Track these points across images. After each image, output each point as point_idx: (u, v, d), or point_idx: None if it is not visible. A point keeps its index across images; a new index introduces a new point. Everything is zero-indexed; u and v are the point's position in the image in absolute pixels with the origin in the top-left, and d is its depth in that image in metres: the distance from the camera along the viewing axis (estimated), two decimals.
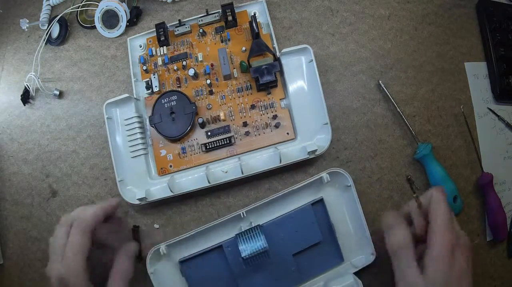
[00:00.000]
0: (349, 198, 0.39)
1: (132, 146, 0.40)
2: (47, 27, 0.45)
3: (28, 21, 0.45)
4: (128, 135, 0.40)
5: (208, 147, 0.40)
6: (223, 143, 0.40)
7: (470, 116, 0.45)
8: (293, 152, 0.40)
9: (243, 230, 0.37)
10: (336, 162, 0.42)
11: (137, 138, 0.40)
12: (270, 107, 0.41)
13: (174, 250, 0.39)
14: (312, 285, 0.39)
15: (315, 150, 0.38)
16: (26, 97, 0.44)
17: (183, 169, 0.40)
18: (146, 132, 0.42)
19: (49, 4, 0.46)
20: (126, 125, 0.41)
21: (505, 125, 0.46)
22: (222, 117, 0.40)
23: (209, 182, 0.38)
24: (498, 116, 0.45)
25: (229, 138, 0.40)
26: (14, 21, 0.47)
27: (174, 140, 0.40)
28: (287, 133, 0.41)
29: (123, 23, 0.45)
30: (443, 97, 0.45)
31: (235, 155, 0.40)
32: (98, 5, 0.45)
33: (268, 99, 0.41)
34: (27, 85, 0.44)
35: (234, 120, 0.41)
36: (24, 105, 0.45)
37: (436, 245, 0.30)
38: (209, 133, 0.41)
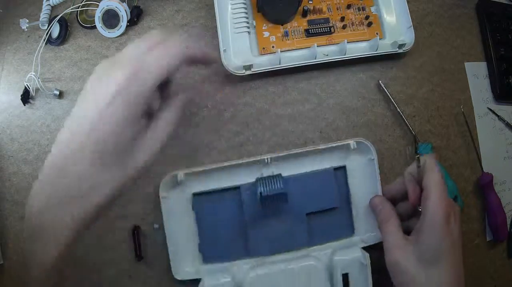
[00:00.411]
0: (370, 172, 0.39)
1: (236, 23, 0.43)
2: (47, 27, 0.45)
3: (28, 21, 0.45)
4: (234, 13, 0.43)
5: (310, 32, 0.43)
6: (323, 31, 0.43)
7: (470, 116, 0.45)
8: (385, 47, 0.43)
9: (264, 175, 0.38)
10: None
11: (241, 17, 0.43)
12: (362, 10, 0.45)
13: (190, 180, 0.38)
14: (319, 251, 0.39)
15: (404, 44, 0.42)
16: (26, 97, 0.44)
17: (284, 51, 0.43)
18: (249, 13, 0.44)
19: (49, 4, 0.46)
20: (232, 4, 0.43)
21: (505, 125, 0.46)
22: (324, 9, 0.44)
23: (315, 58, 0.41)
24: (498, 116, 0.45)
25: (329, 27, 0.43)
26: (14, 21, 0.46)
27: (278, 24, 0.43)
28: (376, 33, 0.44)
29: (123, 23, 0.45)
30: (443, 97, 0.45)
31: (334, 43, 0.43)
32: (98, 5, 0.45)
33: (360, 3, 0.45)
34: (27, 85, 0.44)
35: (332, 14, 0.44)
36: (24, 105, 0.44)
37: (431, 212, 0.30)
38: (310, 22, 0.44)
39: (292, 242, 0.39)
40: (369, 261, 0.36)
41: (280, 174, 0.37)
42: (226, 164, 0.38)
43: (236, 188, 0.39)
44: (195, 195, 0.39)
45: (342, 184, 0.40)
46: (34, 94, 0.45)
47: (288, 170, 0.40)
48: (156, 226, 0.41)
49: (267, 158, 0.38)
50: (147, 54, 0.26)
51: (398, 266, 0.31)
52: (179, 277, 0.37)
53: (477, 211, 0.43)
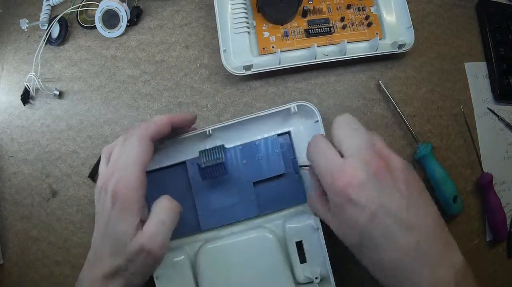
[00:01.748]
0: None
1: (236, 23, 0.43)
2: (47, 27, 0.45)
3: (28, 21, 0.45)
4: (234, 14, 0.43)
5: (310, 33, 0.43)
6: (323, 31, 0.44)
7: (470, 116, 0.45)
8: (385, 47, 0.44)
9: (207, 148, 0.37)
10: None
11: (241, 17, 0.43)
12: (362, 10, 0.45)
13: None
14: (272, 221, 0.39)
15: (404, 44, 0.43)
16: (26, 97, 0.44)
17: (284, 51, 0.43)
18: (249, 13, 0.44)
19: (49, 4, 0.46)
20: (232, 4, 0.43)
21: (505, 125, 0.46)
22: (324, 9, 0.44)
23: (315, 58, 0.42)
24: (498, 116, 0.45)
25: (329, 27, 0.44)
26: (14, 21, 0.47)
27: (278, 24, 0.44)
28: (376, 33, 0.44)
29: (123, 23, 0.45)
30: (443, 97, 0.45)
31: (334, 43, 0.44)
32: (98, 5, 0.45)
33: (360, 3, 0.45)
34: (27, 85, 0.44)
35: (332, 14, 0.45)
36: (24, 105, 0.45)
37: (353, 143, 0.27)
38: (310, 22, 0.44)
39: (241, 212, 0.38)
40: (320, 225, 0.36)
41: (222, 145, 0.37)
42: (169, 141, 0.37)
43: (182, 163, 0.39)
44: (150, 172, 0.38)
45: (288, 150, 0.39)
46: (34, 94, 0.45)
47: (233, 141, 0.39)
48: None
49: (208, 130, 0.37)
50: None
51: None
52: None
53: (477, 211, 0.43)
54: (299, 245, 0.37)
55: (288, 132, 0.40)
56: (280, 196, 0.39)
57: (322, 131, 0.37)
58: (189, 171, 0.38)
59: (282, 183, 0.39)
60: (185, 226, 0.38)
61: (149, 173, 0.38)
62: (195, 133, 0.37)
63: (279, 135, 0.39)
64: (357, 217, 0.25)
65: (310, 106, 0.38)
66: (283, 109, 0.38)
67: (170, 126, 0.32)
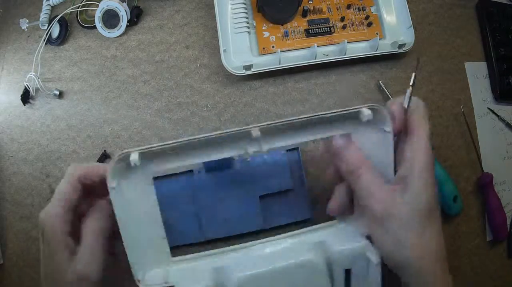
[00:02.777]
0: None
1: (236, 23, 0.43)
2: (47, 27, 0.45)
3: (28, 21, 0.45)
4: (234, 13, 0.43)
5: (310, 32, 0.43)
6: (323, 31, 0.44)
7: (470, 116, 0.45)
8: (385, 47, 0.44)
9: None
10: None
11: (241, 17, 0.43)
12: (362, 10, 0.45)
13: (146, 163, 0.28)
14: (306, 236, 0.33)
15: (404, 44, 0.43)
16: (26, 97, 0.44)
17: (284, 51, 0.43)
18: (249, 13, 0.44)
19: (49, 4, 0.46)
20: (232, 4, 0.43)
21: (505, 125, 0.46)
22: (324, 9, 0.44)
23: (315, 58, 0.42)
24: (498, 116, 0.45)
25: (329, 27, 0.44)
26: (14, 21, 0.46)
27: (278, 24, 0.44)
28: (376, 33, 0.44)
29: (123, 23, 0.45)
30: (443, 97, 0.45)
31: (334, 43, 0.44)
32: (98, 5, 0.45)
33: (360, 3, 0.45)
34: (27, 85, 0.44)
35: (332, 14, 0.45)
36: (24, 105, 0.44)
37: (420, 161, 0.26)
38: (310, 22, 0.44)
39: (246, 224, 0.38)
40: (380, 259, 0.29)
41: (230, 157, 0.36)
42: (184, 140, 0.27)
43: (189, 171, 0.38)
44: (156, 179, 0.31)
45: (296, 166, 0.39)
46: (34, 94, 0.45)
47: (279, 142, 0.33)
48: None
49: (254, 129, 0.28)
50: None
51: (392, 218, 0.26)
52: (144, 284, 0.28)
53: (477, 211, 0.43)
54: (347, 273, 0.30)
55: (297, 148, 0.39)
56: (287, 211, 0.39)
57: (391, 148, 0.29)
58: (195, 180, 0.38)
59: (289, 198, 0.39)
60: (189, 234, 0.38)
61: (157, 179, 0.38)
62: (237, 131, 0.27)
63: (287, 150, 0.39)
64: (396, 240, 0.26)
65: (383, 110, 0.28)
66: (348, 112, 0.29)
67: (96, 174, 0.28)
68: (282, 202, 0.39)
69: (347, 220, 0.33)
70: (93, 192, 0.29)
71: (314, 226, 0.33)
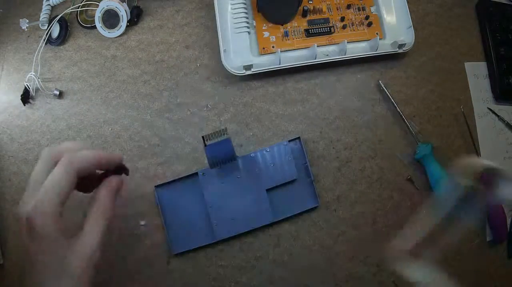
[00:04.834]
0: None
1: (236, 23, 0.43)
2: (47, 27, 0.45)
3: (28, 21, 0.45)
4: (234, 13, 0.43)
5: (310, 33, 0.43)
6: (323, 31, 0.44)
7: (470, 116, 0.45)
8: (385, 47, 0.44)
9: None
10: (336, 162, 0.42)
11: (241, 17, 0.43)
12: (362, 10, 0.45)
13: None
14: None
15: (404, 44, 0.43)
16: (26, 97, 0.44)
17: (284, 51, 0.43)
18: (249, 13, 0.44)
19: (49, 4, 0.46)
20: (232, 4, 0.43)
21: (505, 125, 0.46)
22: (324, 9, 0.44)
23: (315, 58, 0.42)
24: (498, 116, 0.45)
25: (329, 27, 0.44)
26: (14, 21, 0.46)
27: (278, 24, 0.44)
28: (376, 33, 0.44)
29: (123, 23, 0.45)
30: (443, 97, 0.45)
31: (334, 43, 0.44)
32: (98, 5, 0.45)
33: (360, 3, 0.45)
34: (27, 85, 0.44)
35: (332, 14, 0.45)
36: (24, 105, 0.44)
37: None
38: (310, 22, 0.44)
39: (256, 220, 0.39)
40: None
41: (225, 128, 0.37)
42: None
43: (194, 174, 0.40)
44: (163, 185, 0.39)
45: (299, 156, 0.41)
46: (34, 94, 0.45)
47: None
48: (142, 223, 0.41)
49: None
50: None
51: None
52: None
53: None
54: None
55: (298, 137, 0.40)
56: (293, 201, 0.40)
57: None
58: (201, 181, 0.39)
59: (295, 188, 0.40)
60: (200, 237, 0.39)
61: (164, 185, 0.40)
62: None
63: (289, 141, 0.40)
64: None
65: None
66: None
67: (97, 164, 0.29)
68: (289, 193, 0.40)
69: None
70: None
71: None
